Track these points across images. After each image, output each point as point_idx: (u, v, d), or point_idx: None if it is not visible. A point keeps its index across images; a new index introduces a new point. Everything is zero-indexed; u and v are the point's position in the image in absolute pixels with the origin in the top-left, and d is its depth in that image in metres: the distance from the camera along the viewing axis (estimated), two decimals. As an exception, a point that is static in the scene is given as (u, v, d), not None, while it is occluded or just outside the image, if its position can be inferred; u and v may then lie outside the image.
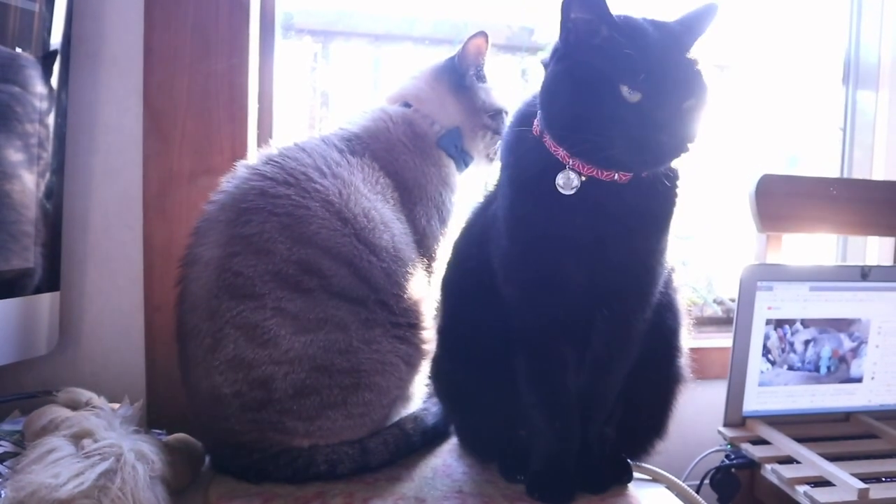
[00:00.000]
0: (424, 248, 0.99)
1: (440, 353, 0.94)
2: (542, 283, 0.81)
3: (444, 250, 1.01)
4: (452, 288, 0.95)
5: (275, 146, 0.95)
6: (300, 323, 0.83)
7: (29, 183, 0.98)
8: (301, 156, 0.92)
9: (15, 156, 0.94)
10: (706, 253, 1.53)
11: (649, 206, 0.79)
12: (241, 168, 0.92)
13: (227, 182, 0.91)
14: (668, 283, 0.88)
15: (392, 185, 0.98)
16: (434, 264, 1.01)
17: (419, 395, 0.99)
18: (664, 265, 0.83)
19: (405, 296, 0.92)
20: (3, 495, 0.69)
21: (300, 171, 0.89)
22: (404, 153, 1.00)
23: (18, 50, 0.96)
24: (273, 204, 0.86)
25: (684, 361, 0.93)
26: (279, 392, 0.83)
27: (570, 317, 0.81)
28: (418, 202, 1.00)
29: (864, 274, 1.23)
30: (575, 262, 0.79)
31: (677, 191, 0.80)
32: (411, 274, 0.93)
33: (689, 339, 0.94)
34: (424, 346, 0.94)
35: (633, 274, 0.81)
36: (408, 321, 0.92)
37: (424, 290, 0.96)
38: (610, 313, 0.81)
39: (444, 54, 1.10)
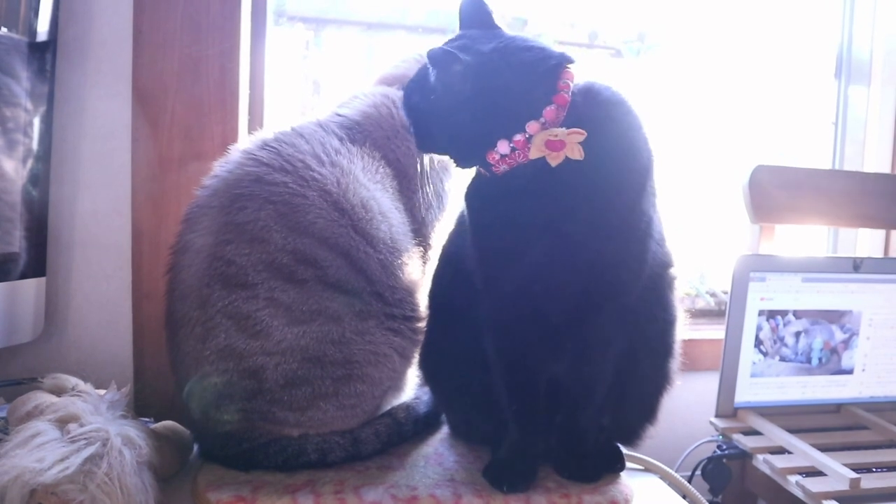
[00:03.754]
0: (421, 237, 0.98)
1: (428, 338, 0.93)
2: (500, 271, 0.80)
3: (439, 238, 1.00)
4: (443, 270, 0.94)
5: (270, 130, 0.92)
6: (293, 314, 0.82)
7: (8, 167, 0.95)
8: (298, 142, 0.89)
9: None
10: (699, 245, 1.53)
11: (598, 186, 0.75)
12: (236, 152, 0.89)
13: (221, 166, 0.89)
14: (665, 278, 0.87)
15: (392, 174, 0.96)
16: (429, 252, 1.00)
17: (412, 384, 0.97)
18: (640, 253, 0.79)
19: (400, 287, 0.90)
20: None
21: (298, 158, 0.87)
22: (408, 139, 0.97)
23: (3, 30, 0.94)
24: (269, 191, 0.84)
25: (675, 365, 0.91)
26: (270, 382, 0.82)
27: (533, 304, 0.79)
28: (418, 190, 0.98)
29: (857, 265, 1.23)
30: (525, 247, 0.77)
31: (630, 168, 0.77)
32: (407, 265, 0.92)
33: (683, 333, 0.92)
34: (418, 337, 0.93)
35: (596, 258, 0.77)
36: (402, 312, 0.91)
37: (419, 280, 0.95)
38: (577, 301, 0.78)
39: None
